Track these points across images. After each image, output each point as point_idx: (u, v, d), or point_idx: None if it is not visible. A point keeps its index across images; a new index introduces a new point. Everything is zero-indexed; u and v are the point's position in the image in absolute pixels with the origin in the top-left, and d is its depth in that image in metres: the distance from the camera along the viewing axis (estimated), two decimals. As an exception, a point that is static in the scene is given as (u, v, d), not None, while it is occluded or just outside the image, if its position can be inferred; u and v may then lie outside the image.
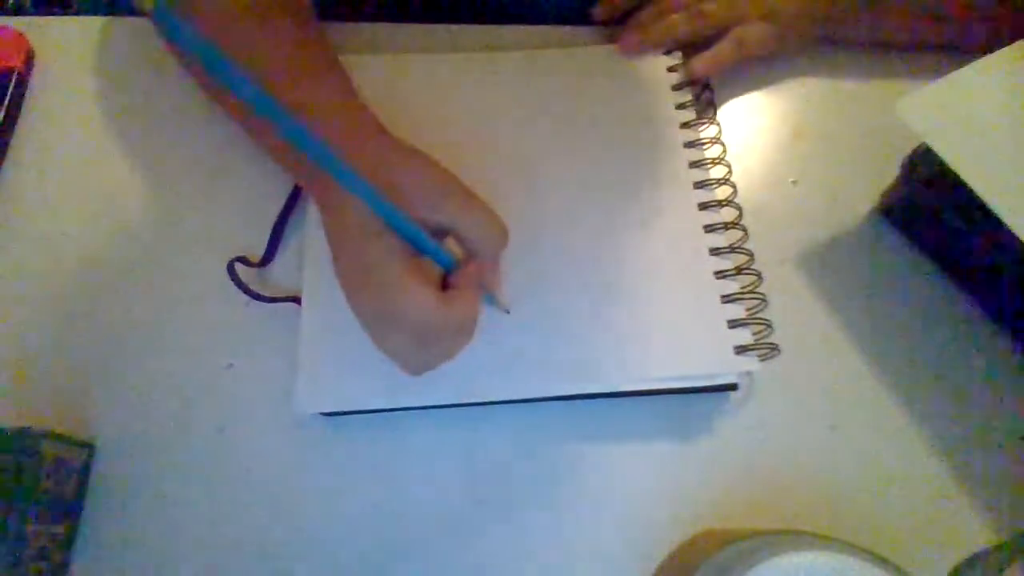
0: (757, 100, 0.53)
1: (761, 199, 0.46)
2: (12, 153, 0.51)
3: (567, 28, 0.55)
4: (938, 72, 0.41)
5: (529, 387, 0.42)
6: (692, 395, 0.43)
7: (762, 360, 0.42)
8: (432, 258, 0.37)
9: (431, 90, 0.51)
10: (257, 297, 0.45)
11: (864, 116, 0.51)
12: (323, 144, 0.33)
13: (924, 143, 0.41)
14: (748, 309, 0.43)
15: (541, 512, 0.42)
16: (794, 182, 0.47)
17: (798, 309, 0.44)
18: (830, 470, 0.42)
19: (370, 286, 0.35)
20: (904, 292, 0.46)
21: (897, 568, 0.35)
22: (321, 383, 0.42)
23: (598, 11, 0.55)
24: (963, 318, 0.45)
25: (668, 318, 0.43)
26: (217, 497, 0.42)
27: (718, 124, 0.49)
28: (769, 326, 0.43)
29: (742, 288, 0.44)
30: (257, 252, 0.47)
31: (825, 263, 0.46)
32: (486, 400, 0.42)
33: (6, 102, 0.50)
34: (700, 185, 0.46)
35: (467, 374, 0.41)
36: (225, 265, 0.46)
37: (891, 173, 0.46)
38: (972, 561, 0.35)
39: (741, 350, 0.42)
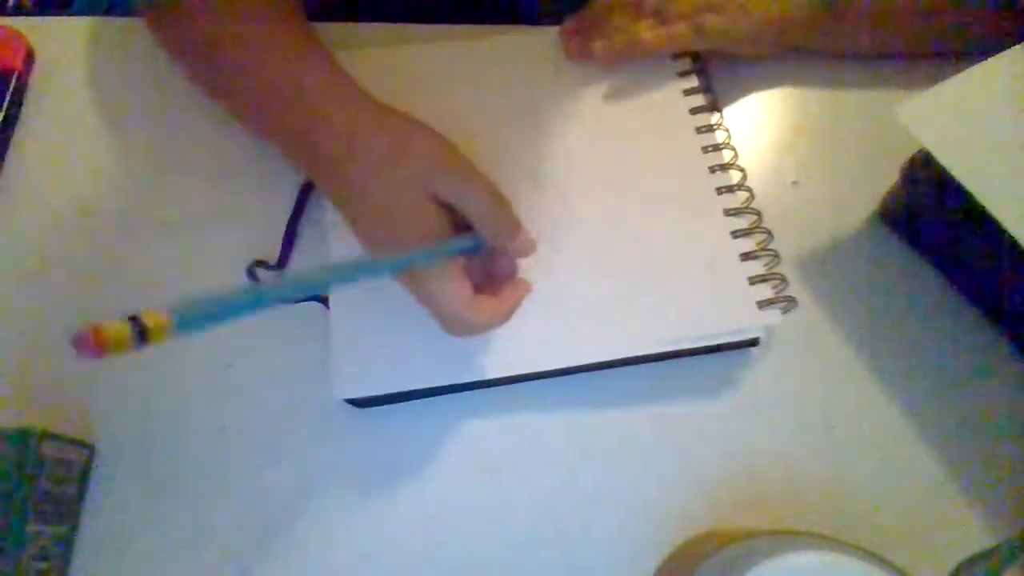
0: (758, 101, 0.53)
1: (761, 200, 0.46)
2: (12, 153, 0.50)
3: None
4: (938, 77, 0.41)
5: (563, 357, 0.43)
6: (707, 360, 0.44)
7: (784, 313, 0.43)
8: (460, 254, 0.38)
9: (434, 78, 0.51)
10: None
11: (864, 119, 0.51)
12: (319, 280, 0.36)
13: (924, 147, 0.41)
14: (764, 265, 0.44)
15: (540, 513, 0.42)
16: (794, 183, 0.47)
17: (798, 310, 0.44)
18: (830, 470, 0.42)
19: (410, 276, 0.38)
20: (903, 295, 0.46)
21: (897, 568, 0.35)
22: (356, 368, 0.42)
23: (564, 28, 0.52)
24: (962, 321, 0.45)
25: (693, 279, 0.44)
26: (217, 497, 0.42)
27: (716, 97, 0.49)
28: (784, 280, 0.44)
29: (757, 245, 0.44)
30: (260, 250, 0.47)
31: (825, 265, 0.47)
32: (517, 373, 0.43)
33: (6, 102, 0.51)
34: (708, 149, 0.47)
35: (494, 349, 0.42)
36: (222, 263, 0.46)
37: (891, 177, 0.46)
38: (972, 561, 0.35)
39: (763, 304, 0.43)
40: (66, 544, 0.40)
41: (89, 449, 0.42)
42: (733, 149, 0.47)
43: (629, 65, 0.50)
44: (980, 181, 0.38)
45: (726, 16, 0.48)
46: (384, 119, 0.41)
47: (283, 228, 0.48)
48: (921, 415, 0.43)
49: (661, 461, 0.43)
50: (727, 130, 0.48)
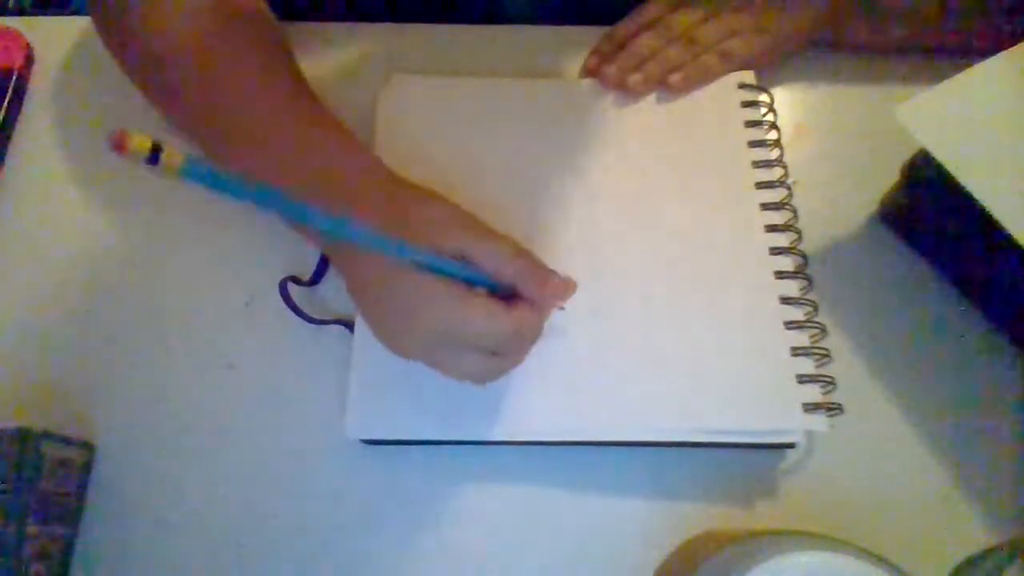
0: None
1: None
2: (12, 153, 0.50)
3: (566, 28, 0.55)
4: (938, 76, 0.41)
5: (583, 430, 0.40)
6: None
7: (829, 417, 0.40)
8: (476, 284, 0.36)
9: (489, 116, 0.49)
10: (308, 319, 0.44)
11: (864, 120, 0.51)
12: (341, 220, 0.32)
13: (924, 147, 0.41)
14: (816, 364, 0.41)
15: (540, 515, 0.42)
16: (794, 182, 0.47)
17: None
18: (830, 470, 0.42)
19: (427, 321, 0.35)
20: (903, 296, 0.46)
21: (897, 568, 0.35)
22: (372, 409, 0.41)
23: (588, 62, 0.53)
24: (962, 321, 0.45)
25: (737, 369, 0.41)
26: (218, 498, 0.42)
27: (784, 167, 0.47)
28: (833, 383, 0.41)
29: (810, 340, 0.42)
30: (255, 250, 0.47)
31: (825, 265, 0.46)
32: (537, 440, 0.41)
33: (6, 102, 0.51)
34: (771, 229, 0.45)
35: (520, 413, 0.40)
36: (219, 263, 0.46)
37: (891, 177, 0.46)
38: (972, 561, 0.35)
39: (809, 408, 0.40)
40: (66, 544, 0.40)
41: (89, 449, 0.42)
42: (797, 232, 0.45)
43: (688, 121, 0.49)
44: (980, 181, 0.38)
45: (747, 39, 0.51)
46: (389, 187, 0.39)
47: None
48: (921, 415, 0.43)
49: (660, 461, 0.43)
50: (793, 210, 0.46)
